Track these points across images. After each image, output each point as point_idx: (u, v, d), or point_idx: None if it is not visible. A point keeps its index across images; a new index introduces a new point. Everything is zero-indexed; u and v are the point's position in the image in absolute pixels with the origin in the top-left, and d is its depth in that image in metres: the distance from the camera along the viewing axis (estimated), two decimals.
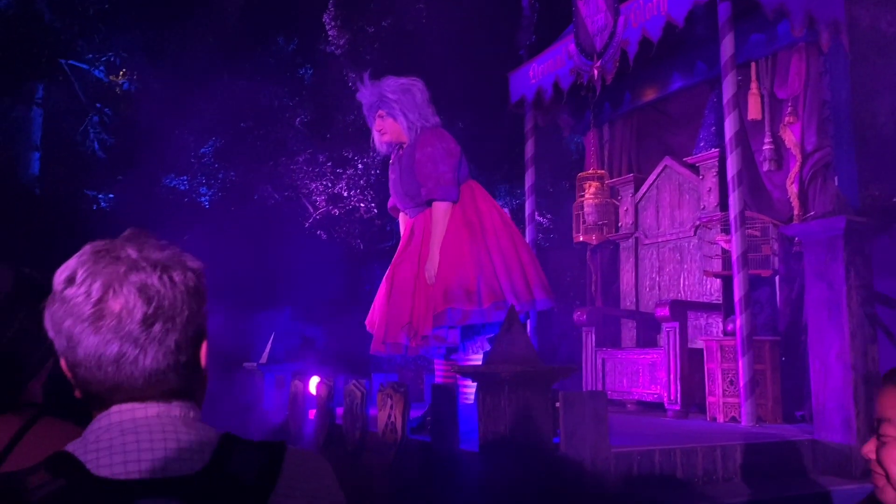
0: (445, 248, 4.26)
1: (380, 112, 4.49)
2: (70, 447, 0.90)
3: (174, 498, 0.85)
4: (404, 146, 4.50)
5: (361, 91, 4.58)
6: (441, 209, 4.32)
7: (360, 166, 12.18)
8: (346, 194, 12.49)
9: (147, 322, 0.90)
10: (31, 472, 0.86)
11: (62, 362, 0.95)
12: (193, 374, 0.96)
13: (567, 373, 3.28)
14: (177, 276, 0.93)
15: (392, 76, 4.55)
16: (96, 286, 0.89)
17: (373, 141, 4.66)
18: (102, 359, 0.89)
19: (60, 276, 0.92)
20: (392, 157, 4.65)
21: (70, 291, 0.90)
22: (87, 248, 0.93)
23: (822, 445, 3.95)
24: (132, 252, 0.92)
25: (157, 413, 0.91)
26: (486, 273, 4.19)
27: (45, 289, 1.34)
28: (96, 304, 0.89)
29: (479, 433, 3.30)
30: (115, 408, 0.92)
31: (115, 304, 0.89)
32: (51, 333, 0.93)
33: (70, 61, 11.29)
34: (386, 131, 4.50)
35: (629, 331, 6.65)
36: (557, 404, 3.28)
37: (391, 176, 4.65)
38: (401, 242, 4.66)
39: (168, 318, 0.91)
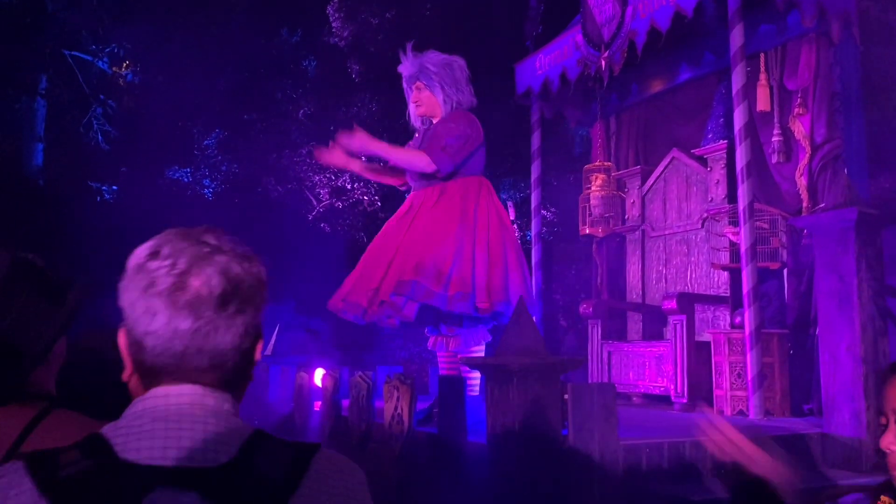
0: (432, 224, 4.19)
1: (418, 83, 4.45)
2: (104, 430, 0.91)
3: (193, 489, 0.86)
4: (433, 122, 4.46)
5: (403, 62, 4.55)
6: (420, 161, 4.22)
7: (363, 159, 12.11)
8: (349, 187, 12.46)
9: (224, 300, 0.93)
10: (65, 451, 0.88)
11: (123, 338, 0.97)
12: (246, 365, 0.99)
13: (576, 364, 3.25)
14: (254, 267, 0.98)
15: (435, 50, 4.53)
16: (182, 260, 0.92)
17: (408, 114, 4.62)
18: (177, 331, 0.91)
19: (143, 251, 0.95)
20: (418, 132, 4.61)
21: (154, 264, 0.93)
22: (169, 230, 0.97)
23: (832, 439, 3.92)
24: (212, 239, 0.96)
25: (189, 402, 0.92)
26: (463, 262, 4.09)
27: (44, 273, 1.34)
28: (178, 276, 0.92)
29: (488, 425, 3.27)
30: (151, 392, 0.94)
31: (195, 281, 0.92)
32: (124, 303, 0.94)
33: (74, 52, 11.26)
34: (422, 103, 4.46)
35: (635, 323, 6.62)
36: (566, 396, 3.26)
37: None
38: (396, 214, 4.57)
39: (242, 300, 0.95)
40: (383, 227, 4.53)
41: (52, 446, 0.91)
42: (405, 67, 4.55)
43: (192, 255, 0.93)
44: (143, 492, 0.85)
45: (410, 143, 4.62)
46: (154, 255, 0.94)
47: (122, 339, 0.98)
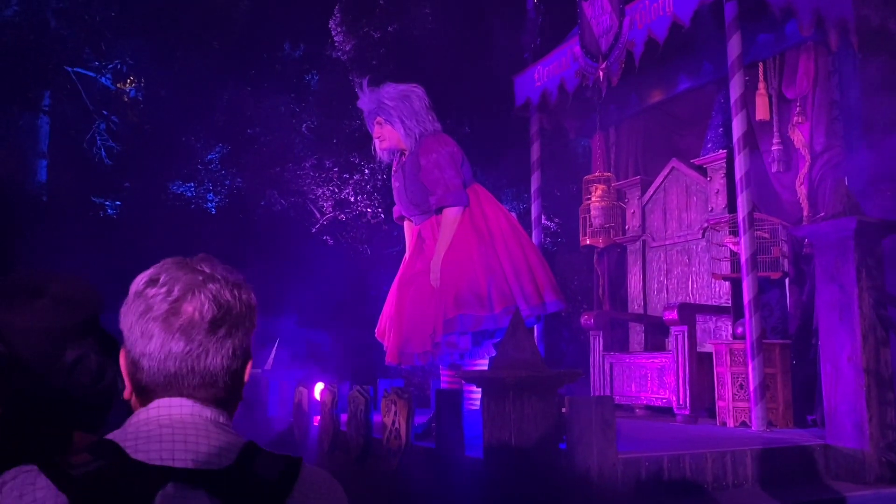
0: (454, 253, 4.21)
1: (378, 119, 4.47)
2: (110, 436, 0.98)
3: (201, 488, 0.94)
4: (406, 154, 4.46)
5: (361, 98, 4.56)
6: (452, 215, 4.28)
7: (366, 171, 12.16)
8: (352, 199, 12.47)
9: (214, 325, 1.01)
10: (75, 454, 0.94)
11: (123, 358, 1.05)
12: (236, 385, 1.06)
13: (573, 377, 3.22)
14: (244, 294, 1.06)
15: (391, 83, 4.53)
16: (177, 288, 1.01)
17: (374, 148, 4.63)
18: (170, 353, 0.99)
19: (142, 279, 1.03)
20: (394, 165, 4.62)
21: (151, 290, 1.01)
22: (167, 259, 1.06)
23: (835, 450, 3.88)
24: (206, 268, 1.05)
25: (190, 412, 1.01)
26: (496, 278, 4.14)
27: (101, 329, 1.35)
28: (173, 303, 1.00)
29: (484, 439, 3.24)
30: (154, 403, 1.01)
31: (189, 307, 1.00)
32: (124, 327, 1.03)
33: (76, 69, 11.32)
34: (385, 138, 4.48)
35: (637, 334, 6.58)
36: (564, 410, 3.23)
37: (395, 185, 4.61)
38: (408, 251, 4.61)
39: (232, 325, 1.03)
40: (402, 268, 4.56)
41: None
42: (363, 103, 4.55)
43: (186, 282, 1.01)
44: (156, 488, 0.92)
45: (394, 180, 4.60)
46: (152, 282, 1.02)
47: (122, 360, 1.05)
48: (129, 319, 1.01)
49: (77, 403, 1.25)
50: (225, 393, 1.04)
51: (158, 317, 0.99)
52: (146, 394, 1.02)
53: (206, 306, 1.01)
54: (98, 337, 1.32)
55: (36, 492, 0.90)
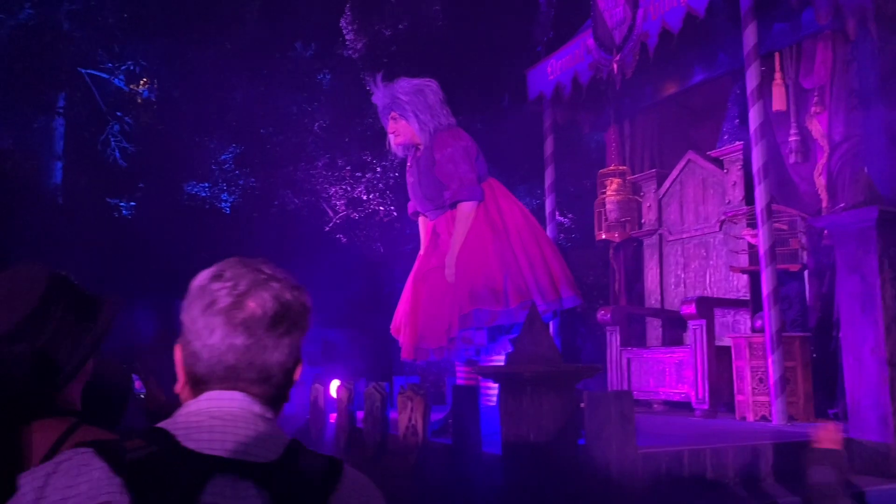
0: (469, 248, 4.18)
1: (392, 114, 4.44)
2: (161, 425, 1.00)
3: (250, 479, 0.95)
4: (420, 149, 4.43)
5: (375, 93, 4.53)
6: (467, 209, 4.24)
7: (378, 170, 12.15)
8: (365, 198, 12.47)
9: (275, 322, 1.03)
10: (129, 439, 0.96)
11: (178, 352, 1.06)
12: (287, 383, 1.08)
13: (591, 372, 3.18)
14: (302, 295, 1.08)
15: (405, 78, 4.49)
16: (242, 283, 1.03)
17: (388, 143, 4.61)
18: (231, 346, 1.01)
19: (206, 274, 1.05)
20: (409, 160, 4.59)
21: (216, 285, 1.03)
22: (229, 259, 1.08)
23: (858, 444, 3.81)
24: (268, 269, 1.07)
25: (240, 406, 1.02)
26: (511, 272, 4.10)
27: (78, 290, 1.36)
28: (237, 297, 1.02)
29: (502, 435, 3.21)
30: (205, 395, 1.03)
31: (252, 302, 1.02)
32: (186, 319, 1.04)
33: (90, 71, 11.38)
34: (399, 133, 4.45)
35: (654, 329, 6.52)
36: (582, 405, 3.19)
37: (409, 180, 4.58)
38: (423, 246, 4.57)
39: (291, 324, 1.05)
40: (417, 263, 4.52)
41: None
42: (378, 98, 4.52)
43: (251, 279, 1.04)
44: (206, 476, 0.94)
45: (408, 175, 4.58)
46: (217, 277, 1.04)
47: (177, 354, 1.07)
48: (193, 312, 1.03)
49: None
50: (276, 390, 1.06)
51: (222, 310, 1.01)
52: (201, 385, 1.04)
53: (269, 303, 1.03)
54: (62, 314, 1.32)
55: (91, 472, 0.92)
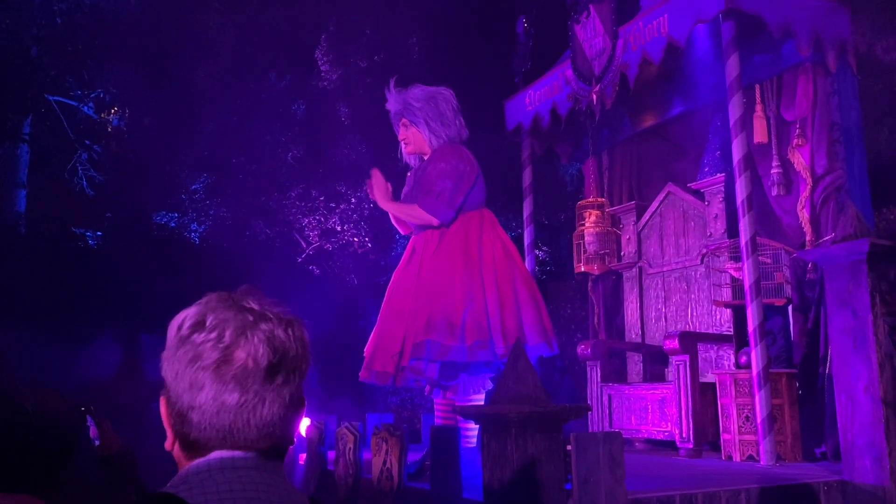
0: (436, 273, 4.00)
1: (403, 121, 4.32)
2: (165, 489, 0.90)
3: None
4: (425, 159, 4.29)
5: (388, 99, 4.42)
6: (420, 216, 4.09)
7: (353, 200, 12.01)
8: (339, 229, 12.29)
9: (271, 372, 0.91)
10: None
11: (164, 407, 0.94)
12: (290, 432, 0.97)
13: (580, 412, 3.01)
14: (297, 331, 0.96)
15: (420, 85, 4.38)
16: (228, 332, 0.90)
17: (400, 152, 4.48)
18: (224, 405, 0.90)
19: (186, 321, 0.92)
20: (411, 171, 4.46)
21: (199, 336, 0.91)
22: (211, 295, 0.94)
23: (853, 487, 3.67)
24: (255, 304, 0.94)
25: (255, 465, 0.92)
26: (475, 307, 3.90)
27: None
28: (224, 350, 0.90)
29: (484, 480, 3.01)
30: (216, 453, 0.92)
31: (241, 353, 0.90)
32: (168, 375, 0.92)
33: (58, 98, 11.13)
34: (410, 141, 4.32)
35: (635, 364, 6.37)
36: (568, 447, 3.01)
37: (404, 190, 4.44)
38: (400, 262, 4.39)
39: (289, 370, 0.93)
40: (392, 279, 4.35)
41: None
42: (390, 104, 4.43)
43: (237, 325, 0.91)
44: None
45: (406, 185, 4.46)
46: (199, 326, 0.92)
47: (163, 408, 0.96)
48: (175, 367, 0.91)
49: None
50: (280, 441, 0.96)
51: (209, 366, 0.90)
52: (196, 449, 0.93)
53: (261, 351, 0.91)
54: None
55: None
